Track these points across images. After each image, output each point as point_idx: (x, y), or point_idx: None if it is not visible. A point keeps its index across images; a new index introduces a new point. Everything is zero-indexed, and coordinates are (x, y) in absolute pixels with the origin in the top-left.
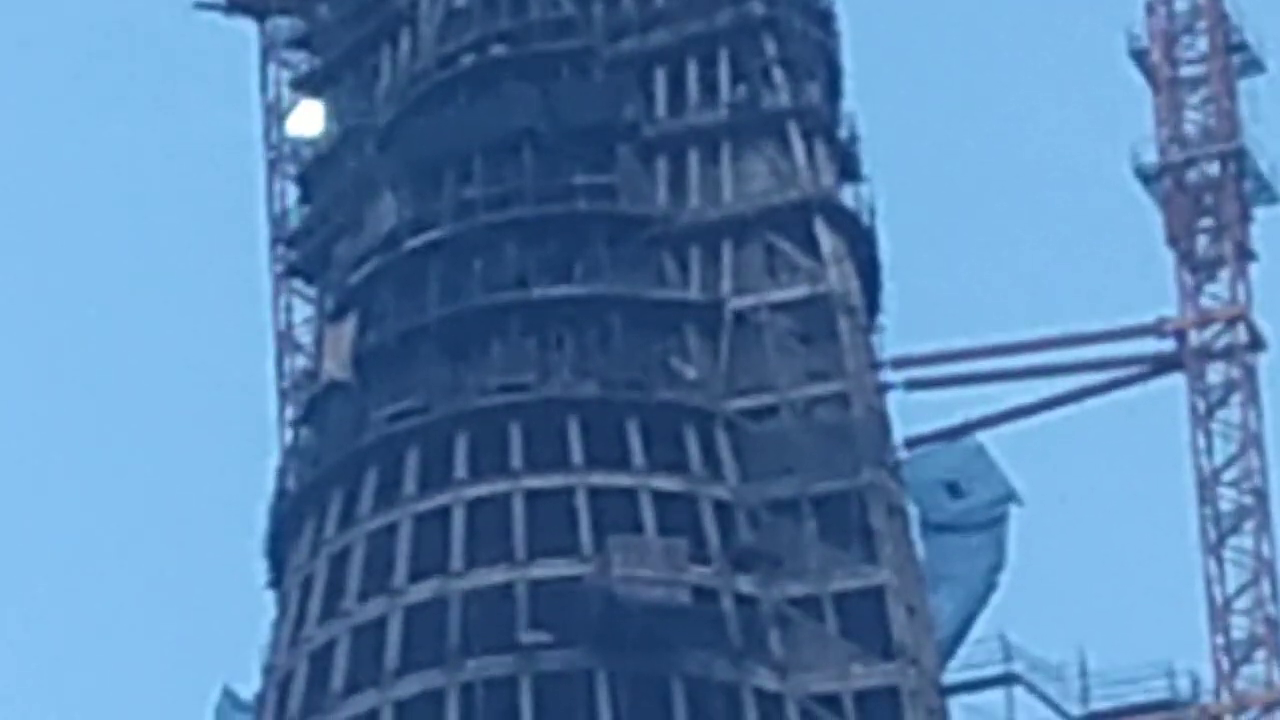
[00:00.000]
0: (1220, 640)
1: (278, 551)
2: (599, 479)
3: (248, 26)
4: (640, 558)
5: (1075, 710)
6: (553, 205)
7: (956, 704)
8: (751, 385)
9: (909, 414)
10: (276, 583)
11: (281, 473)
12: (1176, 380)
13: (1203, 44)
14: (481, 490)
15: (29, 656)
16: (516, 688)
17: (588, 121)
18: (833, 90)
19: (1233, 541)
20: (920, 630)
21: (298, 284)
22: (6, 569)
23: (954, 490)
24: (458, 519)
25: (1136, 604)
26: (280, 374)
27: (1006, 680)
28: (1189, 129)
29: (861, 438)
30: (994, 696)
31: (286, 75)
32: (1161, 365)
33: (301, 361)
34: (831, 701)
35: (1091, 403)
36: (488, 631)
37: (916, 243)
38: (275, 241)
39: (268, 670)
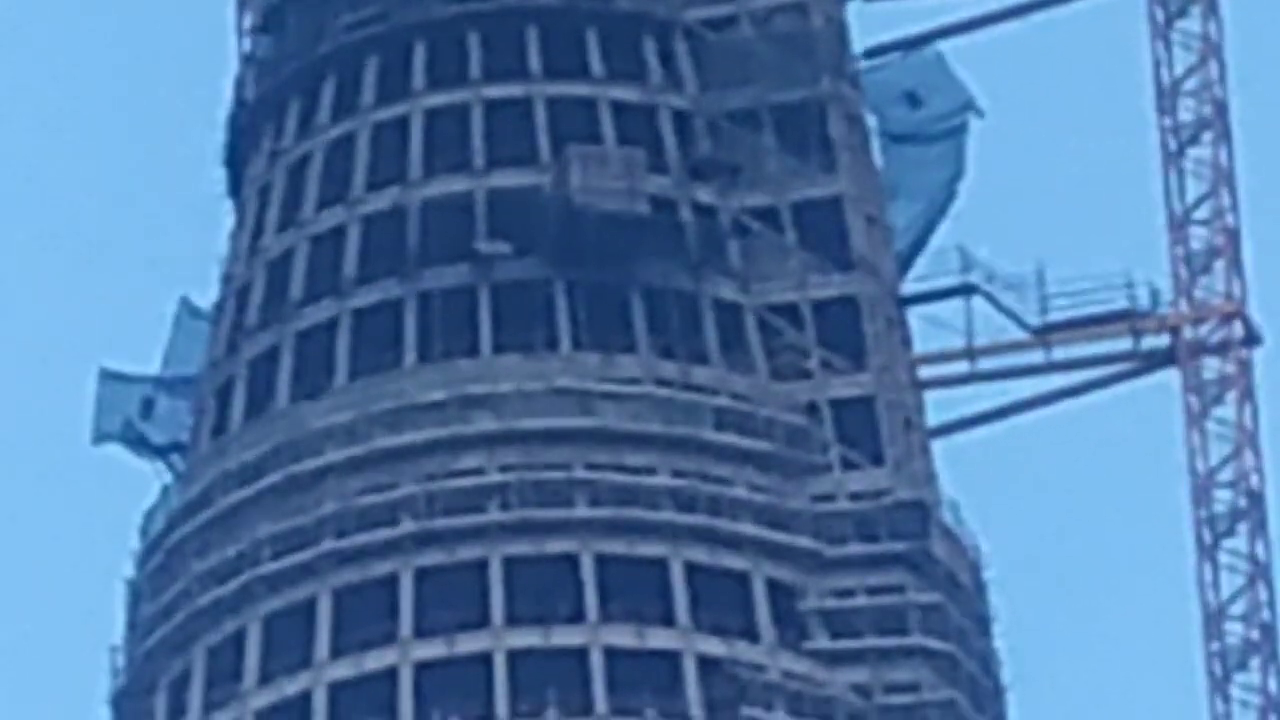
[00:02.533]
0: (1179, 251)
1: (236, 161)
2: (557, 88)
3: None
4: (599, 167)
5: (1033, 321)
6: None
7: (915, 314)
8: None
9: (868, 23)
10: (235, 192)
11: (239, 82)
12: None
13: None
14: (440, 99)
15: None
16: (475, 297)
17: None
18: None
19: (1192, 152)
20: (879, 240)
21: None
22: None
23: (913, 100)
24: (416, 128)
25: (1095, 216)
26: None
27: (965, 291)
28: None
29: (820, 47)
30: (952, 307)
31: None
32: None
33: None
34: (790, 311)
35: (1053, 11)
36: (446, 240)
37: None
38: None
39: (226, 280)
